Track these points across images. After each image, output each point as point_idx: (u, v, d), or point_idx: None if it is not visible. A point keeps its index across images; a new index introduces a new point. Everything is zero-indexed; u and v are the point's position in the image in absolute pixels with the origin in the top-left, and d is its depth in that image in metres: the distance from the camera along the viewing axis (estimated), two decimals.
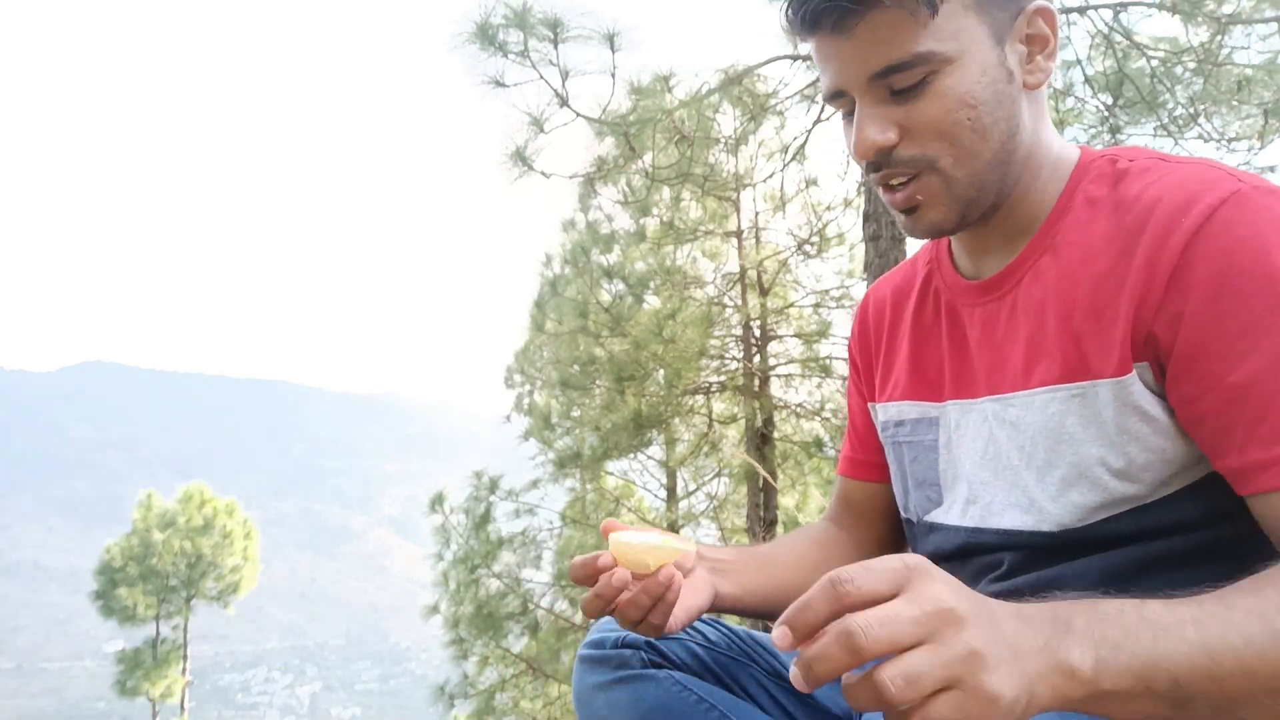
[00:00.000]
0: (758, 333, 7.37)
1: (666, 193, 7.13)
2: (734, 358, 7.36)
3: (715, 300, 7.35)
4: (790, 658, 1.02)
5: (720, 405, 7.50)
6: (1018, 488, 0.85)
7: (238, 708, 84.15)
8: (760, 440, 6.95)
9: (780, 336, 7.54)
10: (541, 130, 4.16)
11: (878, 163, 0.83)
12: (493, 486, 7.64)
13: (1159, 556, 0.78)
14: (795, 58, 4.51)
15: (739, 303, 7.34)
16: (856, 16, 0.78)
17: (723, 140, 5.99)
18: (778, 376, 7.32)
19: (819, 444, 6.91)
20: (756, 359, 7.31)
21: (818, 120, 4.93)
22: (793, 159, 5.64)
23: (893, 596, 0.53)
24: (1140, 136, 4.51)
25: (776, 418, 7.21)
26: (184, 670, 22.64)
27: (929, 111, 0.79)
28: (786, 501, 7.20)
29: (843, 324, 7.10)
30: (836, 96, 0.84)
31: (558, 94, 4.00)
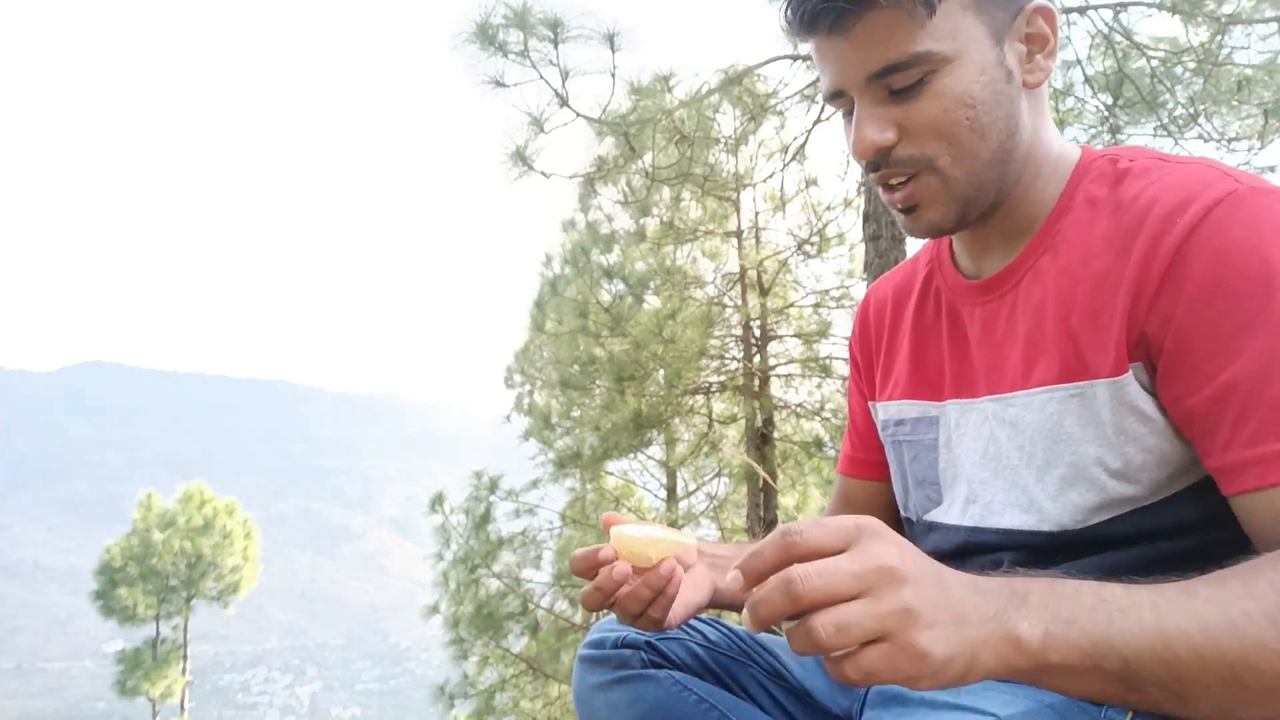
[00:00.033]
0: (758, 333, 7.37)
1: (666, 193, 7.13)
2: (734, 358, 7.36)
3: (715, 300, 7.35)
4: (791, 659, 1.03)
5: (720, 405, 7.50)
6: (1018, 487, 0.85)
7: (238, 708, 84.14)
8: (760, 440, 6.95)
9: (780, 336, 7.54)
10: (541, 130, 4.16)
11: (877, 162, 0.84)
12: (493, 486, 7.64)
13: (1160, 558, 0.78)
14: (795, 58, 4.51)
15: (739, 303, 7.34)
16: (854, 17, 0.78)
17: (723, 140, 5.99)
18: (778, 376, 7.32)
19: (819, 444, 6.92)
20: (756, 359, 7.31)
21: (818, 120, 4.93)
22: (793, 159, 5.64)
23: (839, 552, 0.56)
24: (1140, 136, 4.52)
25: (776, 418, 7.21)
26: (184, 670, 22.64)
27: (927, 111, 0.80)
28: (786, 501, 7.20)
29: (843, 324, 7.10)
30: (836, 96, 0.85)
31: (558, 94, 4.00)
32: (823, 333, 7.18)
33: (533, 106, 4.06)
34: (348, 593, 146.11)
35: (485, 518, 7.61)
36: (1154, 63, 4.24)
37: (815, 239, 6.98)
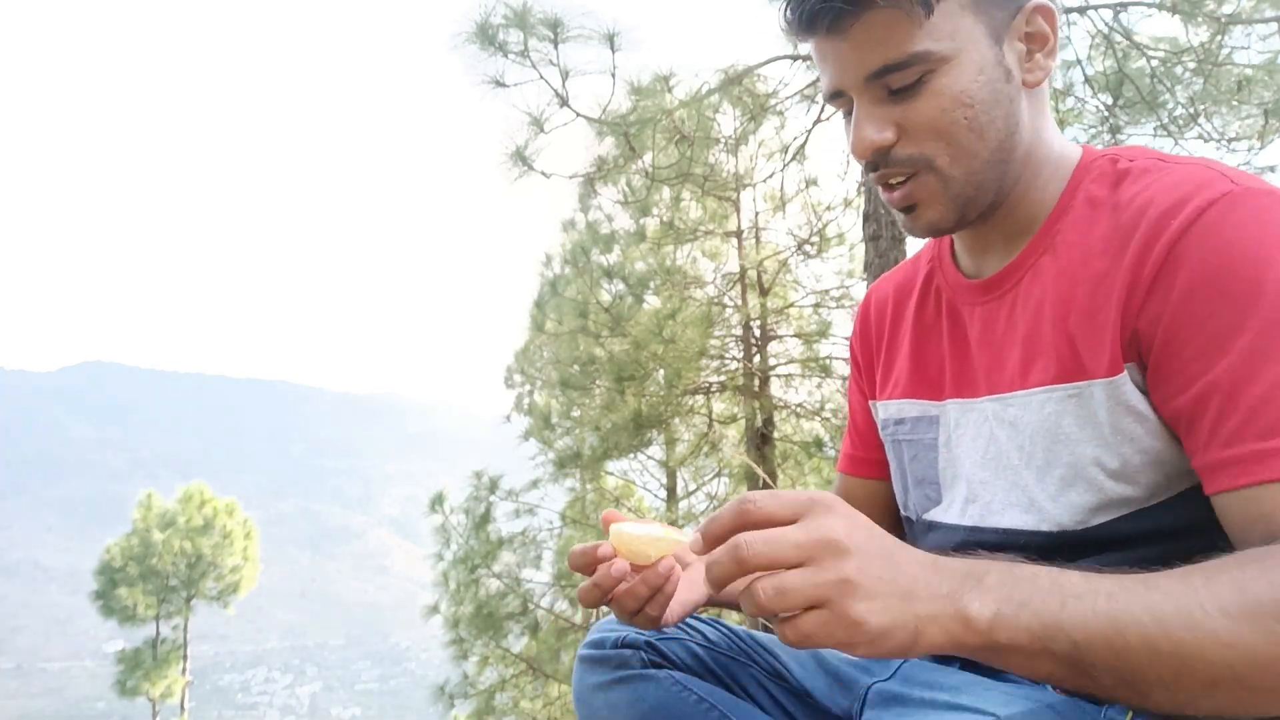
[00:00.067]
0: (758, 333, 7.38)
1: (666, 193, 7.13)
2: (734, 358, 7.36)
3: (715, 300, 7.36)
4: (791, 659, 1.03)
5: (720, 405, 7.51)
6: (1018, 487, 0.85)
7: (238, 708, 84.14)
8: (760, 440, 6.95)
9: (780, 336, 7.55)
10: (541, 130, 4.16)
11: (876, 162, 0.84)
12: (493, 486, 7.65)
13: (1161, 560, 0.78)
14: (795, 58, 4.51)
15: (739, 303, 7.35)
16: (852, 17, 0.78)
17: (723, 140, 5.99)
18: (778, 376, 7.32)
19: (819, 444, 6.92)
20: (756, 359, 7.31)
21: (818, 120, 4.94)
22: (793, 159, 5.64)
23: (790, 522, 0.60)
24: (1140, 136, 4.52)
25: (776, 418, 7.21)
26: (184, 670, 22.65)
27: (925, 111, 0.80)
28: None
29: (843, 324, 7.11)
30: (835, 96, 0.85)
31: (558, 94, 4.00)
32: (823, 333, 7.18)
33: (533, 106, 4.06)
34: (348, 593, 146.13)
35: (485, 518, 7.62)
36: (1154, 63, 4.24)
37: (815, 239, 6.99)
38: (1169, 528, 0.77)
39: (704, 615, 1.02)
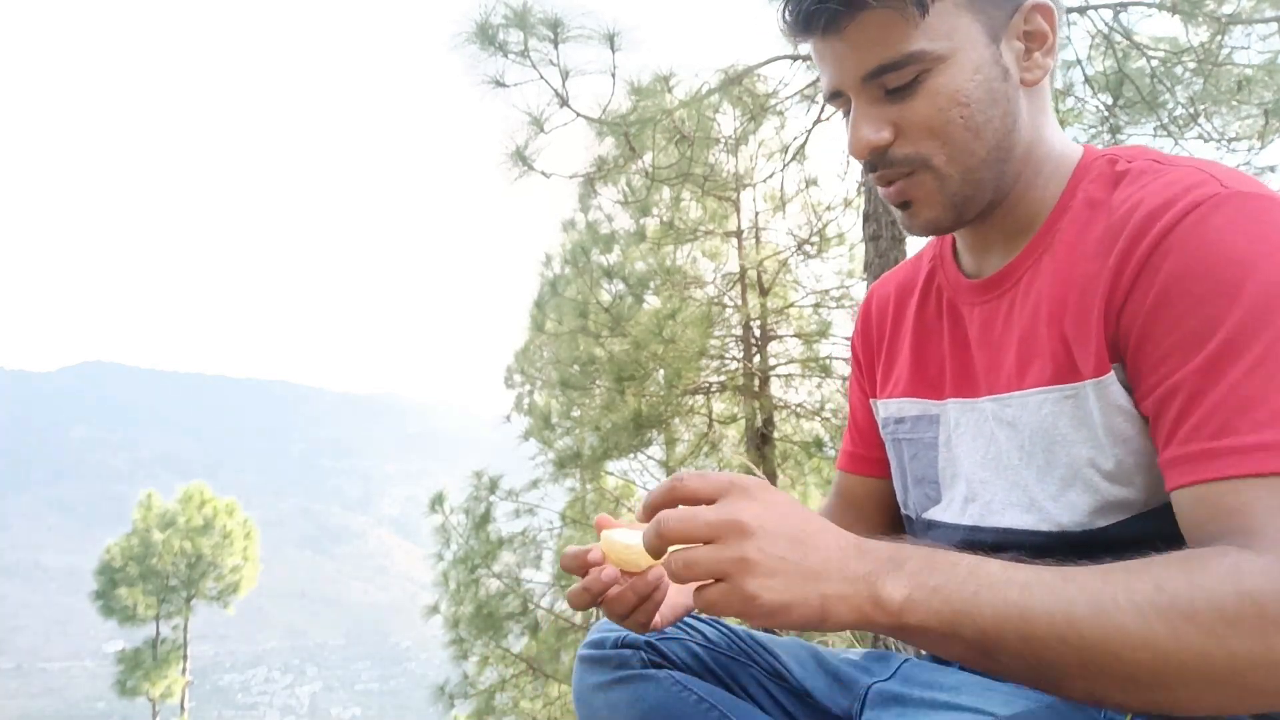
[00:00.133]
0: (758, 333, 7.38)
1: (666, 193, 7.13)
2: (734, 358, 7.36)
3: (715, 300, 7.36)
4: (791, 659, 1.03)
5: (720, 405, 7.50)
6: (1019, 487, 0.85)
7: (238, 708, 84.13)
8: (760, 440, 6.95)
9: (780, 336, 7.55)
10: (541, 130, 4.16)
11: (874, 161, 0.84)
12: (493, 486, 7.64)
13: None
14: (795, 58, 4.51)
15: (739, 303, 7.35)
16: (847, 18, 0.78)
17: (723, 140, 5.99)
18: (778, 376, 7.32)
19: (819, 444, 6.92)
20: (756, 359, 7.31)
21: (818, 120, 4.94)
22: (793, 159, 5.64)
23: (711, 501, 0.66)
24: (1140, 136, 4.52)
25: (776, 418, 7.21)
26: (184, 670, 22.66)
27: (921, 110, 0.80)
28: None
29: (843, 324, 7.11)
30: (835, 96, 0.85)
31: (558, 94, 4.00)
32: (823, 333, 7.18)
33: (533, 106, 4.06)
34: (348, 593, 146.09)
35: (485, 518, 7.62)
36: (1154, 63, 4.24)
37: (815, 239, 6.98)
38: (1169, 533, 0.77)
39: (703, 615, 1.02)
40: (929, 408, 0.97)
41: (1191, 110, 4.31)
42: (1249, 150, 4.42)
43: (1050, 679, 0.64)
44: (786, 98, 4.93)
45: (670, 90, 4.56)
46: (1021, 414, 0.84)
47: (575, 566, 0.84)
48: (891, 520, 1.10)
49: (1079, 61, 4.35)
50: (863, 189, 5.39)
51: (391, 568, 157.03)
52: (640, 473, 8.30)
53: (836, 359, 6.93)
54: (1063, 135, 0.88)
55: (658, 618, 0.87)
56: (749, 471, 6.78)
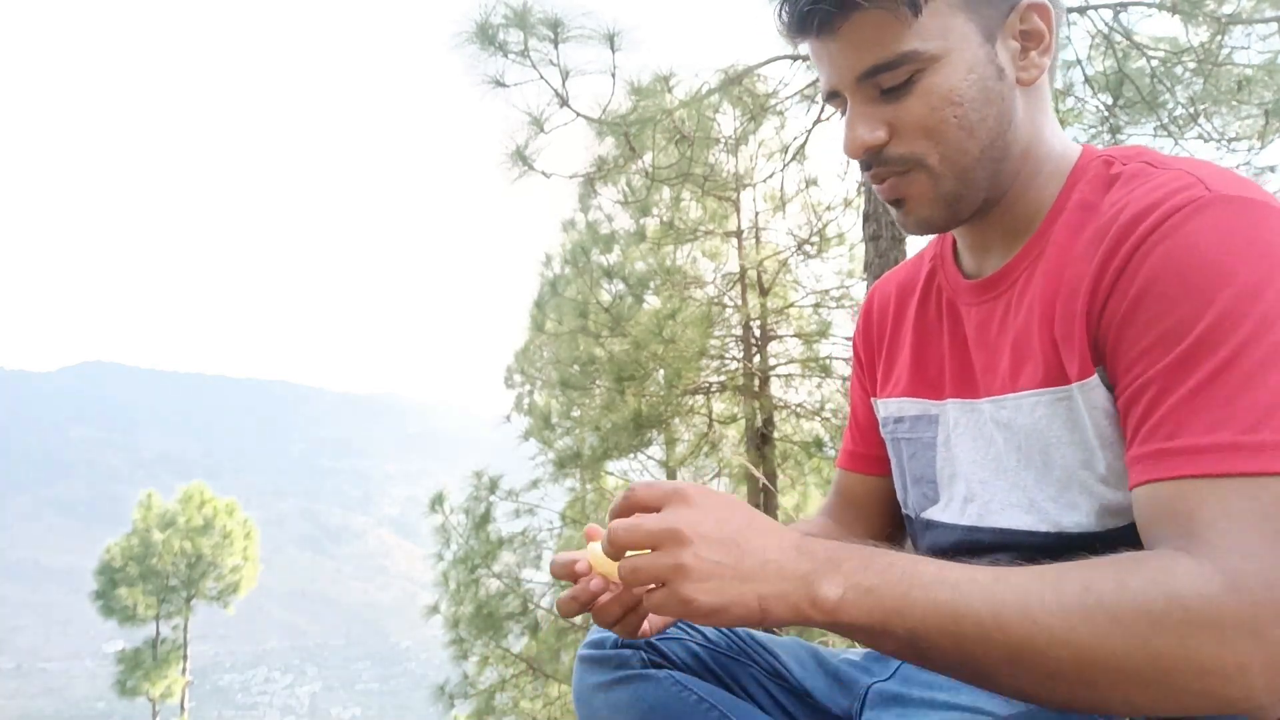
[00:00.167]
0: (758, 333, 7.38)
1: (666, 193, 7.13)
2: (734, 358, 7.36)
3: (715, 300, 7.36)
4: (791, 659, 1.03)
5: (720, 405, 7.50)
6: (1019, 488, 0.85)
7: (238, 708, 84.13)
8: (760, 440, 6.95)
9: (780, 336, 7.55)
10: (541, 130, 4.16)
11: (869, 160, 0.85)
12: (493, 486, 7.65)
13: None
14: (795, 58, 4.51)
15: (739, 303, 7.35)
16: (841, 18, 0.79)
17: (723, 140, 5.99)
18: (778, 376, 7.32)
19: (819, 444, 6.92)
20: (756, 359, 7.31)
21: (818, 120, 4.94)
22: (793, 159, 5.64)
23: (656, 510, 0.70)
24: (1140, 136, 4.51)
25: (776, 418, 7.21)
26: (184, 670, 22.66)
27: (915, 110, 0.80)
28: (786, 502, 7.20)
29: (843, 324, 7.11)
30: (832, 97, 0.86)
31: (558, 94, 4.00)
32: (823, 333, 7.18)
33: (533, 106, 4.06)
34: (348, 593, 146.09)
35: (485, 518, 7.62)
36: (1154, 63, 4.24)
37: (815, 239, 6.99)
38: None
39: None
40: (928, 408, 0.97)
41: (1191, 110, 4.31)
42: (1249, 150, 4.43)
43: (980, 675, 0.66)
44: (786, 98, 4.93)
45: (670, 90, 4.56)
46: (1016, 416, 0.84)
47: (564, 574, 0.84)
48: (892, 519, 1.10)
49: (1079, 61, 4.35)
50: (862, 189, 5.39)
51: (391, 568, 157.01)
52: (640, 473, 8.30)
53: (836, 359, 6.93)
54: (1063, 135, 0.88)
55: (646, 625, 0.88)
56: (749, 471, 6.79)
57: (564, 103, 4.04)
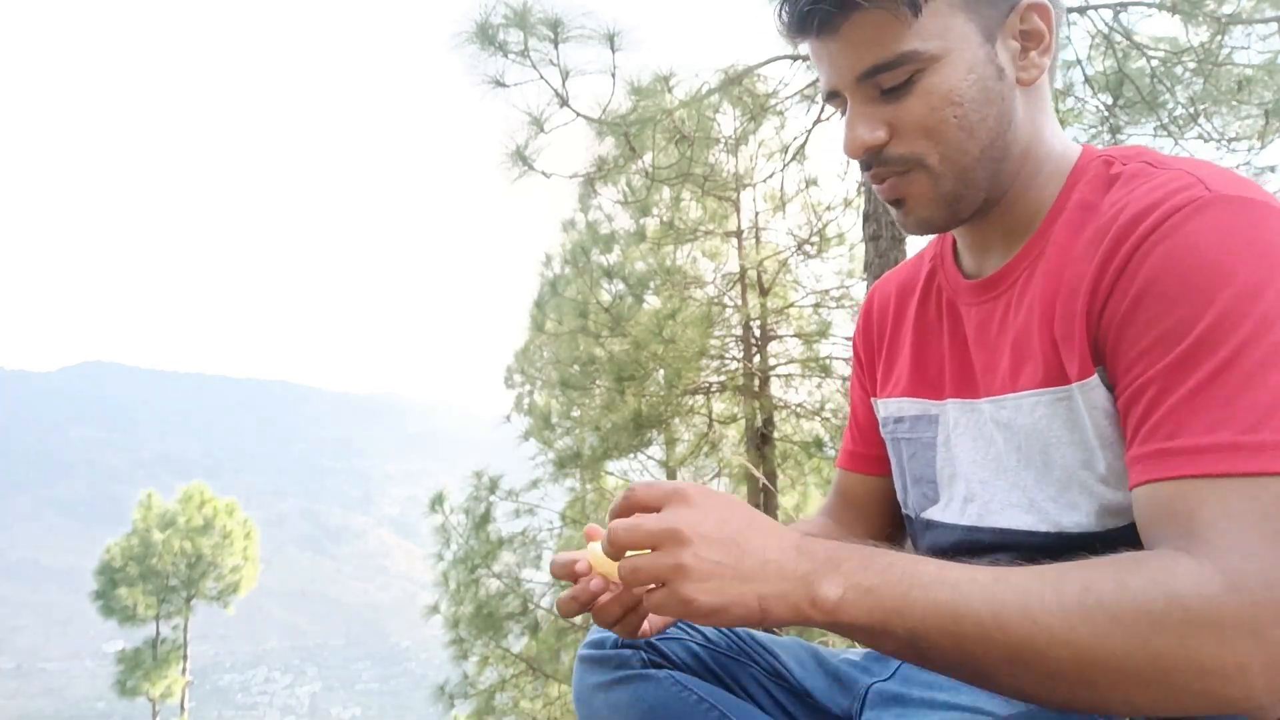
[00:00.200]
0: (758, 333, 7.38)
1: (666, 193, 7.13)
2: (734, 358, 7.36)
3: (715, 300, 7.36)
4: (791, 659, 1.03)
5: (720, 405, 7.50)
6: (1019, 488, 0.85)
7: (238, 708, 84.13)
8: (760, 440, 6.95)
9: (780, 336, 7.55)
10: (541, 130, 4.16)
11: (869, 160, 0.85)
12: (493, 486, 7.65)
13: None
14: (795, 58, 4.51)
15: (739, 303, 7.35)
16: (841, 18, 0.79)
17: (723, 140, 5.99)
18: (778, 376, 7.32)
19: (819, 444, 6.91)
20: (756, 359, 7.31)
21: (818, 120, 4.94)
22: (793, 159, 5.64)
23: (656, 510, 0.70)
24: (1140, 136, 4.51)
25: (776, 418, 7.21)
26: (184, 670, 22.66)
27: (915, 110, 0.80)
28: (786, 502, 7.20)
29: (843, 324, 7.11)
30: (832, 97, 0.86)
31: (558, 94, 4.00)
32: (823, 333, 7.18)
33: (533, 106, 4.06)
34: (348, 593, 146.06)
35: (485, 518, 7.62)
36: (1154, 63, 4.24)
37: (815, 239, 6.99)
38: None
39: None
40: (928, 408, 0.97)
41: (1191, 110, 4.31)
42: (1249, 150, 4.43)
43: (980, 675, 0.66)
44: (786, 98, 4.93)
45: (670, 90, 4.56)
46: (1016, 416, 0.84)
47: (564, 574, 0.84)
48: (892, 519, 1.10)
49: (1079, 61, 4.35)
50: (863, 189, 5.39)
51: (391, 568, 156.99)
52: (640, 473, 8.30)
53: (836, 359, 6.92)
54: (1063, 135, 0.88)
55: (646, 625, 0.88)
56: (749, 471, 6.79)
57: (564, 103, 4.04)
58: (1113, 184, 0.80)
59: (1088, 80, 4.32)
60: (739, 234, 7.52)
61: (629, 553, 0.70)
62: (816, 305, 7.40)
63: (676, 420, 7.36)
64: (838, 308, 7.17)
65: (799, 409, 7.26)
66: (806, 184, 6.75)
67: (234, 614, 24.79)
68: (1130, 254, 0.72)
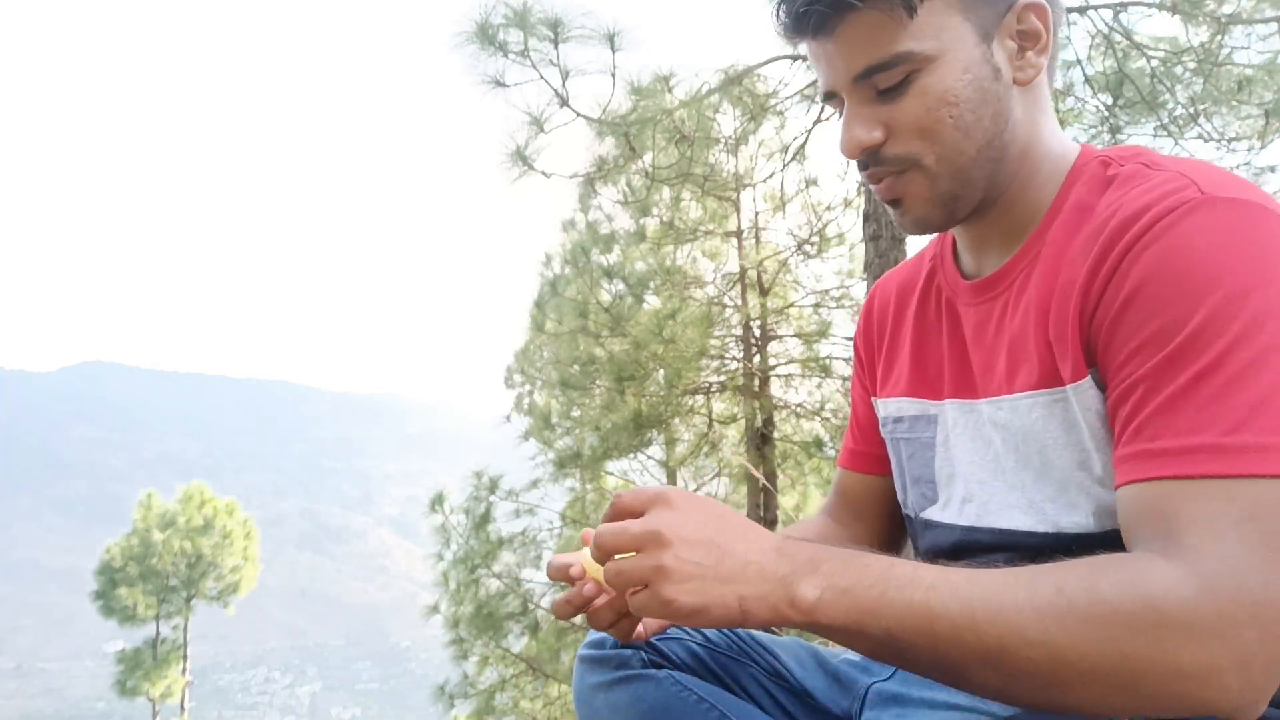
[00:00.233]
0: (758, 333, 7.38)
1: (666, 193, 7.13)
2: (734, 358, 7.36)
3: (715, 300, 7.36)
4: (791, 659, 1.03)
5: (720, 405, 7.50)
6: (1017, 489, 0.85)
7: (238, 708, 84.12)
8: (760, 440, 6.95)
9: (780, 336, 7.55)
10: (541, 130, 4.16)
11: (865, 160, 0.85)
12: (493, 486, 7.65)
13: None
14: (795, 58, 4.51)
15: (739, 303, 7.35)
16: (836, 19, 0.79)
17: (723, 140, 5.99)
18: (778, 376, 7.32)
19: (819, 444, 6.91)
20: (756, 359, 7.31)
21: (818, 120, 4.94)
22: (793, 159, 5.64)
23: (640, 515, 0.71)
24: (1140, 136, 4.51)
25: (776, 418, 7.21)
26: (184, 670, 22.66)
27: (911, 110, 0.80)
28: (786, 502, 7.20)
29: (843, 324, 7.11)
30: (830, 97, 0.86)
31: (558, 94, 4.00)
32: (823, 333, 7.18)
33: (533, 106, 4.06)
34: (348, 593, 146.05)
35: (485, 518, 7.62)
36: (1154, 63, 4.24)
37: (815, 239, 6.98)
38: None
39: None
40: (927, 408, 0.97)
41: (1191, 110, 4.31)
42: (1249, 150, 4.43)
43: (955, 676, 0.66)
44: (786, 98, 4.93)
45: (670, 90, 4.56)
46: (1013, 418, 0.84)
47: (560, 577, 0.85)
48: (892, 519, 1.10)
49: (1079, 61, 4.35)
50: (862, 189, 5.39)
51: (391, 568, 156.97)
52: (640, 473, 8.30)
53: (836, 359, 6.92)
54: (1062, 135, 0.88)
55: (641, 628, 0.89)
56: (749, 471, 6.79)
57: (564, 103, 4.04)
58: (1109, 185, 0.80)
59: (1088, 80, 4.32)
60: (739, 234, 7.52)
61: (616, 556, 0.71)
62: (816, 305, 7.40)
63: (676, 420, 7.36)
64: (838, 308, 7.17)
65: (799, 409, 7.26)
66: (806, 184, 6.75)
67: (234, 614, 24.80)
68: (1121, 256, 0.72)
